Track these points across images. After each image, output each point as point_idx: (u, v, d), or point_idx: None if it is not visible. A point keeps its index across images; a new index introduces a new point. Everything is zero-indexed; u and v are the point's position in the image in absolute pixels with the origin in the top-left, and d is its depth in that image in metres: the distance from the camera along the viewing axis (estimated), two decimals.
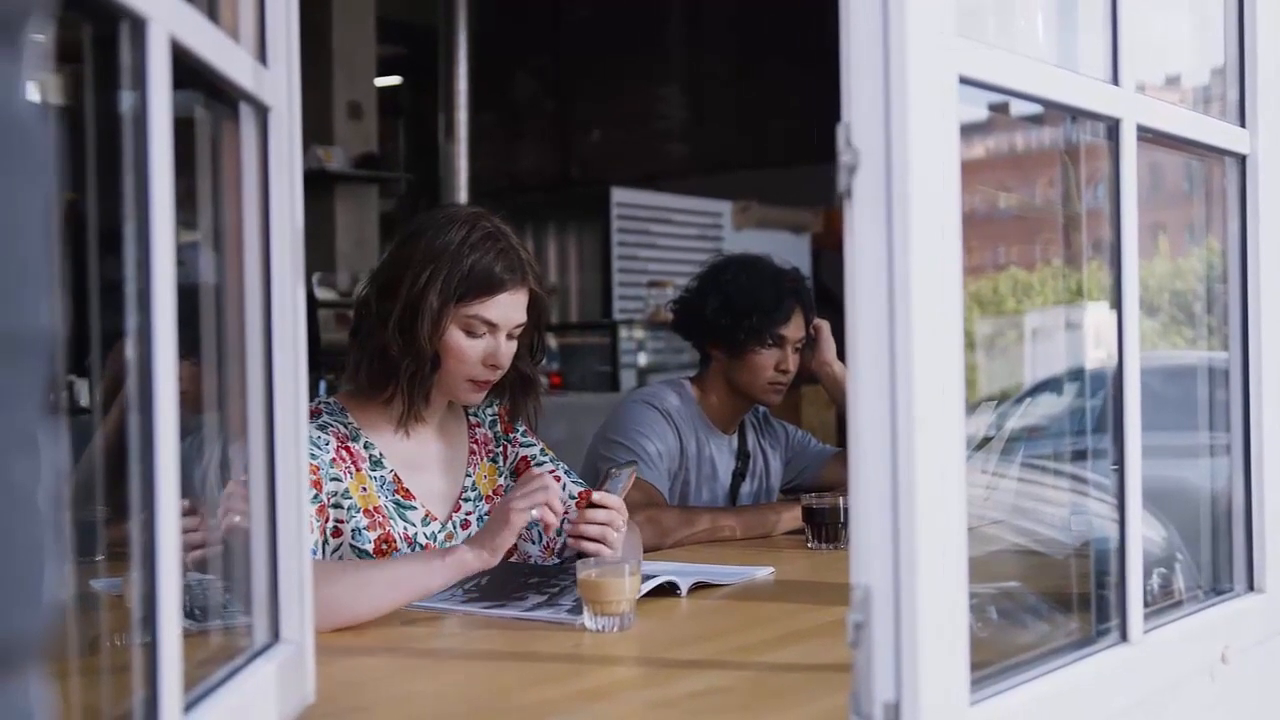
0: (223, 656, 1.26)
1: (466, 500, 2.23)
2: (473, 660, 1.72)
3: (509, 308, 2.12)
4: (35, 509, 0.53)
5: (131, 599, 1.30)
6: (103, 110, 1.01)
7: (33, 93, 0.55)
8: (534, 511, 1.92)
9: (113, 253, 0.98)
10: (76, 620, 1.16)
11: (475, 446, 2.29)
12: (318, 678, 1.39)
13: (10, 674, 0.52)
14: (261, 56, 1.31)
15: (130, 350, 0.97)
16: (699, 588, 2.10)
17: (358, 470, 2.10)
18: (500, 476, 2.30)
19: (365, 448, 2.13)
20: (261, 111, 1.30)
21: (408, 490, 2.15)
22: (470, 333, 2.11)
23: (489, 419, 2.33)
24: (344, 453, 2.09)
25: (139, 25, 0.96)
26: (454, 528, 2.19)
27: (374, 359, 2.12)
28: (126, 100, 0.98)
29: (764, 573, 2.27)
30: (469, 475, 2.25)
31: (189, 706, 1.05)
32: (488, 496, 2.27)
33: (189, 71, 1.08)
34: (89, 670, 1.11)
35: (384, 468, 2.14)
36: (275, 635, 1.33)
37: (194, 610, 1.31)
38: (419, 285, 2.07)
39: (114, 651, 1.27)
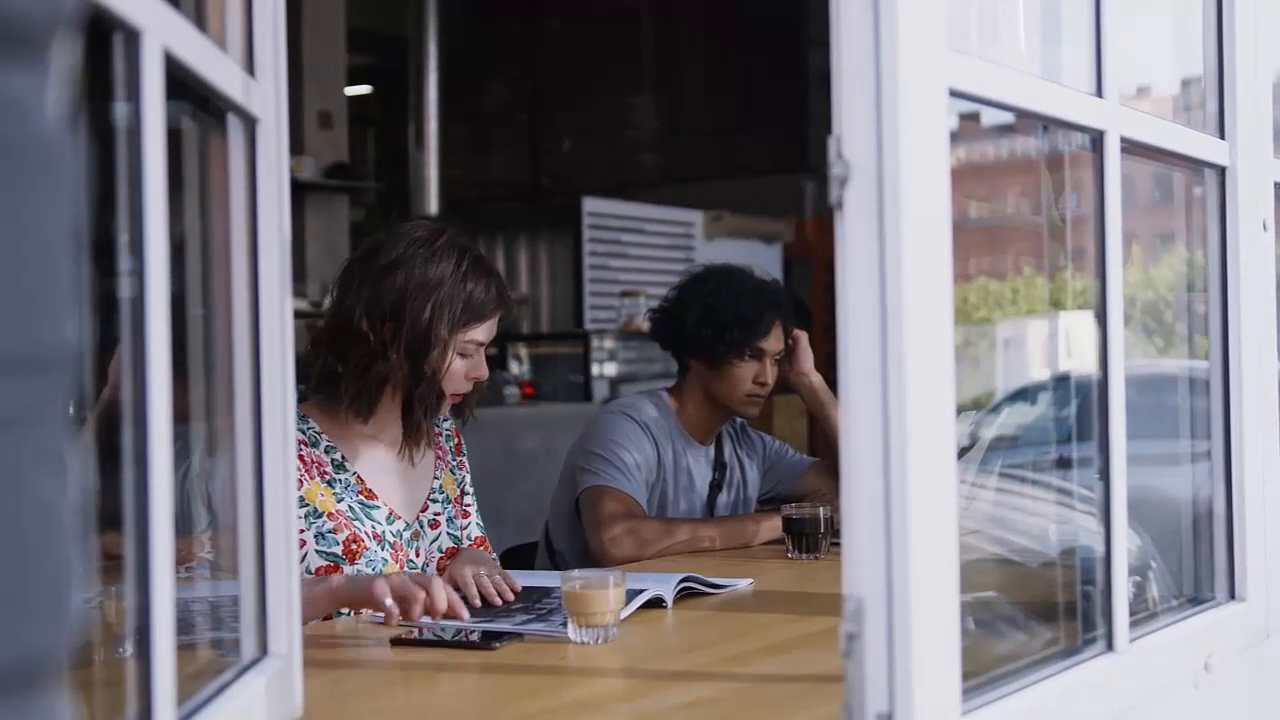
0: (209, 671, 1.25)
1: (435, 501, 2.32)
2: (460, 674, 1.71)
3: (494, 326, 2.25)
4: (63, 526, 0.52)
5: (112, 613, 1.29)
6: (94, 120, 1.00)
7: (57, 109, 0.54)
8: (388, 601, 1.84)
9: (103, 264, 0.97)
10: None
11: (440, 452, 2.37)
12: (305, 692, 1.38)
13: (42, 690, 0.51)
14: (249, 68, 1.30)
15: (124, 361, 0.96)
16: (685, 596, 2.10)
17: (319, 474, 2.16)
18: (456, 487, 2.39)
19: (327, 452, 2.19)
20: (250, 123, 1.30)
21: (371, 490, 2.21)
22: (464, 355, 2.21)
23: (445, 432, 2.40)
24: (297, 460, 2.11)
25: (133, 37, 0.96)
26: (421, 526, 2.27)
27: (375, 387, 2.16)
28: (119, 110, 0.97)
29: (744, 584, 2.28)
30: (436, 478, 2.34)
31: None
32: (454, 500, 2.36)
33: (177, 82, 1.07)
34: (77, 684, 1.09)
35: (347, 471, 2.20)
36: (263, 649, 1.32)
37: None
38: (425, 318, 2.14)
39: (99, 666, 1.26)
